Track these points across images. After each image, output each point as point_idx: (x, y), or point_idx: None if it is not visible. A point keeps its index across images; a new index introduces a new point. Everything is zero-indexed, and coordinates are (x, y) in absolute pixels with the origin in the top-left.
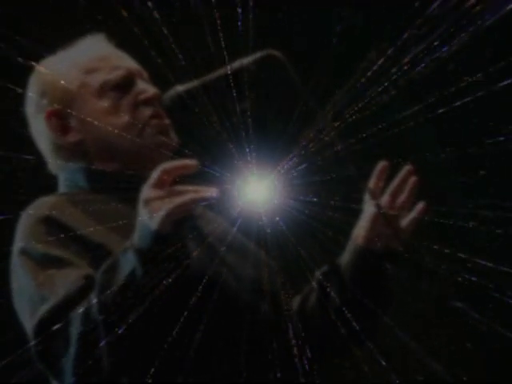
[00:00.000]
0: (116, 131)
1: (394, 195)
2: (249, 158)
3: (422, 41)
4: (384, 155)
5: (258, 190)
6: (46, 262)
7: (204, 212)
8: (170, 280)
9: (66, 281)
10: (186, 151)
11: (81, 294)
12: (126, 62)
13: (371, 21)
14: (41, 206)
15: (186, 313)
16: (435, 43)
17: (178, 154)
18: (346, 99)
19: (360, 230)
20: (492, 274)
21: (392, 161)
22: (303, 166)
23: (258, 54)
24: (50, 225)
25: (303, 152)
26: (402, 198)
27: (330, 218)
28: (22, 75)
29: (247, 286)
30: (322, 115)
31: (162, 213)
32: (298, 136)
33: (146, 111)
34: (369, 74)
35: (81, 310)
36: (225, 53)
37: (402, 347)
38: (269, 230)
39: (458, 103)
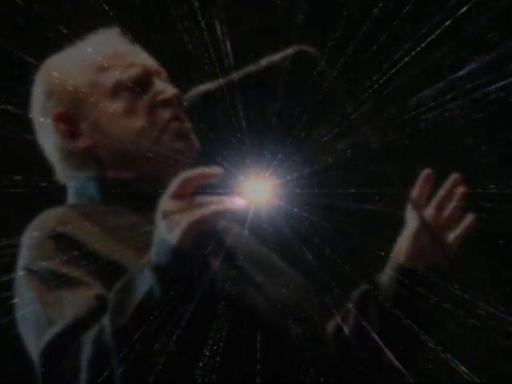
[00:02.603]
0: (131, 136)
1: (440, 207)
2: (248, 159)
3: None
4: (428, 160)
5: (261, 191)
6: (53, 281)
7: (229, 225)
8: (191, 301)
9: (75, 302)
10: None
11: (92, 316)
12: (142, 59)
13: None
14: (48, 219)
15: (208, 337)
16: None
17: (200, 160)
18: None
19: (402, 245)
20: None
21: (436, 166)
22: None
23: (289, 50)
24: (58, 240)
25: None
26: (449, 209)
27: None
28: (27, 74)
29: (278, 308)
30: (355, 113)
31: (182, 226)
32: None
33: (165, 113)
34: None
35: (92, 333)
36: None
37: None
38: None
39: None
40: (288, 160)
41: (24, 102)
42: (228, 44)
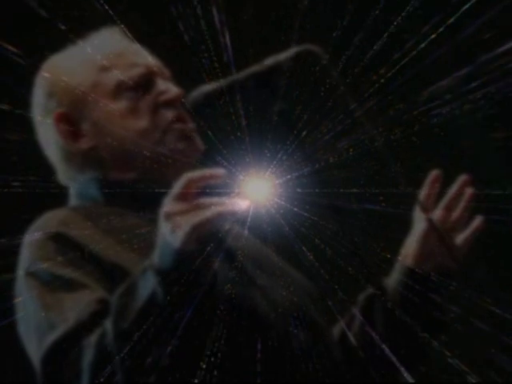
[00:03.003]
0: (134, 137)
1: (449, 209)
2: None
3: None
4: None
5: (261, 191)
6: (54, 284)
7: (233, 228)
8: (195, 304)
9: (77, 305)
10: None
11: (94, 320)
12: (144, 59)
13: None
14: (49, 220)
15: (210, 340)
16: None
17: (204, 161)
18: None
19: (409, 248)
20: None
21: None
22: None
23: (294, 50)
24: (60, 242)
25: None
26: (458, 211)
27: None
28: (28, 74)
29: (281, 312)
30: (361, 113)
31: (185, 228)
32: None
33: (168, 114)
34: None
35: (94, 337)
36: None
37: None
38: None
39: None
40: (288, 159)
41: (25, 102)
42: (229, 45)
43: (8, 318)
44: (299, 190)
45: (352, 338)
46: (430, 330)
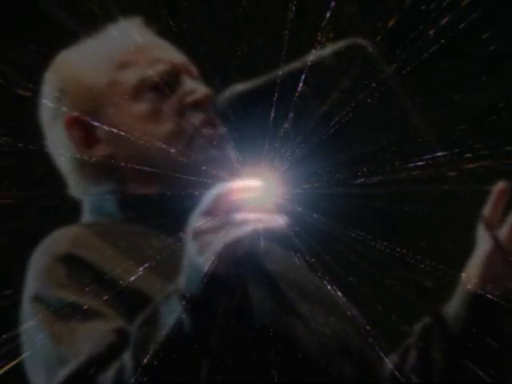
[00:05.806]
0: (156, 143)
1: None
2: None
3: None
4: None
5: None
6: (65, 312)
7: (270, 247)
8: (226, 335)
9: (91, 336)
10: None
11: (111, 352)
12: (169, 54)
13: None
14: (59, 239)
15: (245, 375)
16: None
17: (235, 171)
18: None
19: (472, 270)
20: None
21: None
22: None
23: (340, 44)
24: (71, 264)
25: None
26: None
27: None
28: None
29: (326, 343)
30: (417, 116)
31: (215, 248)
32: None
33: (196, 117)
34: None
35: (111, 373)
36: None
37: None
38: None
39: None
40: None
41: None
42: (265, 38)
43: (13, 349)
44: (333, 192)
45: (407, 374)
46: (498, 364)
